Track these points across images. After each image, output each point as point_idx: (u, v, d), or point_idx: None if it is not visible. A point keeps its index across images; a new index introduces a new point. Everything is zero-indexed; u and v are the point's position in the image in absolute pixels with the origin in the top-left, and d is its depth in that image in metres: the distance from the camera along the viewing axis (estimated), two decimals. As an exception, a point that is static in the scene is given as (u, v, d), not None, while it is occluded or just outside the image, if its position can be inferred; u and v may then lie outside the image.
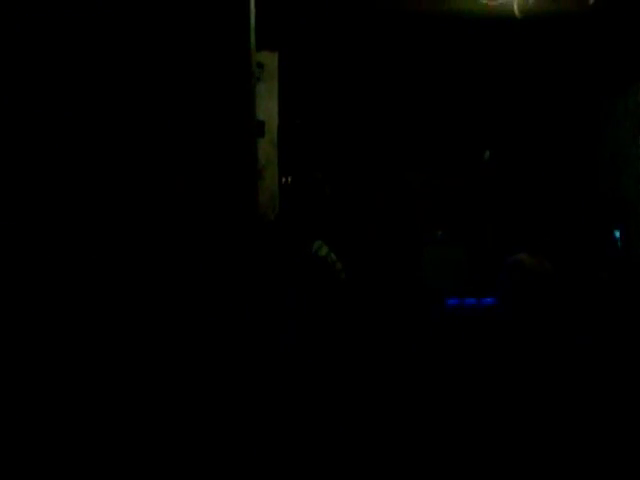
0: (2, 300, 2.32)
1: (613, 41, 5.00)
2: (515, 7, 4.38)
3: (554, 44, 5.04)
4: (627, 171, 6.39)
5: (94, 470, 2.33)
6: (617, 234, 6.68)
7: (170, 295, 2.44)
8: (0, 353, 2.31)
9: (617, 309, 5.25)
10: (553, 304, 3.37)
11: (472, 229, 8.18)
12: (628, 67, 5.82)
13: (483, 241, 8.09)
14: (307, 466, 2.91)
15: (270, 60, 3.61)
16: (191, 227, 2.46)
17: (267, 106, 3.63)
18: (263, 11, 2.78)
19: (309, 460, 2.92)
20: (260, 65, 3.46)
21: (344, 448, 3.01)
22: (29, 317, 2.33)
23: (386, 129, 7.77)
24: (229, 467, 2.40)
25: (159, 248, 2.44)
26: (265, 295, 2.79)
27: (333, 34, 4.83)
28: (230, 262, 2.48)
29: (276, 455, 2.75)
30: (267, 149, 3.78)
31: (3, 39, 2.36)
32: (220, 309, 2.46)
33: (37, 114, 2.40)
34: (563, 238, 7.10)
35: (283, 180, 4.26)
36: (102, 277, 2.40)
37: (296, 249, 3.25)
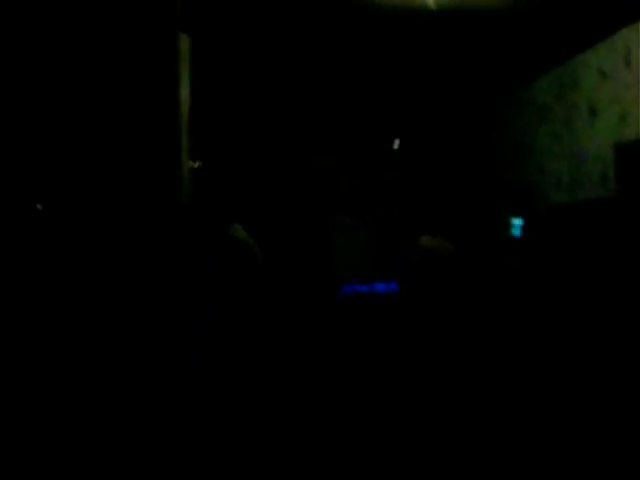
0: None
1: (521, 36, 5.14)
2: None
3: (465, 37, 5.13)
4: (529, 160, 6.62)
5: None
6: (519, 221, 6.92)
7: (91, 276, 2.34)
8: None
9: (520, 292, 5.43)
10: (452, 285, 3.38)
11: (381, 215, 8.27)
12: (533, 61, 6.00)
13: (392, 226, 8.19)
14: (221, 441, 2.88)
15: (183, 44, 3.44)
16: (113, 210, 2.35)
17: (181, 91, 3.47)
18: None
19: (225, 434, 2.89)
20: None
21: (262, 423, 2.98)
22: None
23: (297, 115, 7.70)
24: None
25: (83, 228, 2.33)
26: (186, 277, 2.74)
27: (244, 19, 4.70)
28: (152, 246, 2.40)
29: (195, 428, 2.70)
30: (180, 133, 3.63)
31: None
32: (142, 292, 2.38)
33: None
34: (468, 223, 7.29)
35: (194, 165, 4.14)
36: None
37: (214, 232, 3.24)
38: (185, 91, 3.66)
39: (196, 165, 4.31)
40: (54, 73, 2.29)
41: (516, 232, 6.95)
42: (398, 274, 3.52)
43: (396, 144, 8.38)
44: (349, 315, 6.43)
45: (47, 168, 2.32)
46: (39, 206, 2.23)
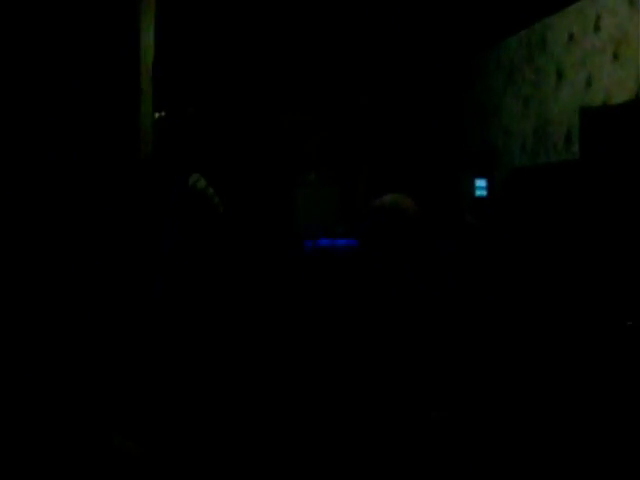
0: None
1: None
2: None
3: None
4: (495, 122, 6.63)
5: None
6: (483, 182, 6.98)
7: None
8: None
9: (482, 252, 5.50)
10: (407, 243, 3.35)
11: (346, 171, 8.26)
12: (502, 22, 5.97)
13: (357, 183, 8.19)
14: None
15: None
16: (75, 162, 2.28)
17: (143, 38, 3.36)
18: None
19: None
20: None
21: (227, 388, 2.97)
22: None
23: (262, 69, 7.56)
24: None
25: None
26: (144, 229, 2.70)
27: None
28: (112, 196, 2.35)
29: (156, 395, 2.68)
30: (142, 82, 3.53)
31: None
32: (99, 246, 2.33)
33: None
34: (432, 182, 7.32)
35: (157, 115, 4.06)
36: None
37: (173, 182, 3.18)
38: (148, 38, 3.54)
39: (157, 116, 4.21)
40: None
41: (480, 193, 7.01)
42: (361, 231, 3.49)
43: (362, 101, 8.32)
44: (310, 268, 6.44)
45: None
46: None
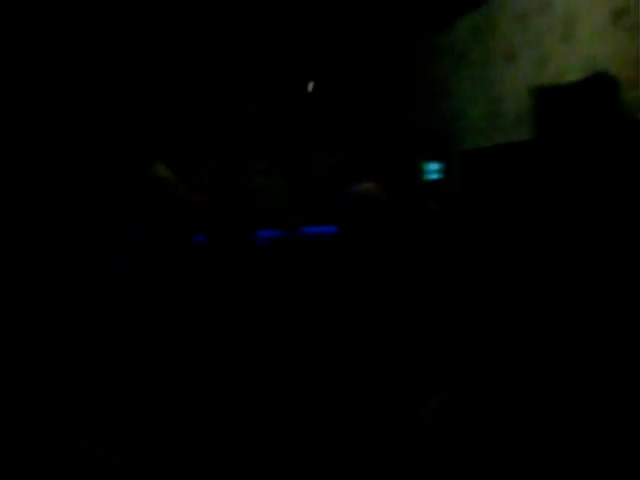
0: None
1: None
2: None
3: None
4: (447, 104, 6.66)
5: None
6: (436, 166, 7.00)
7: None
8: None
9: (444, 235, 5.53)
10: (384, 229, 3.34)
11: (296, 160, 8.18)
12: (450, 5, 5.98)
13: (308, 172, 8.13)
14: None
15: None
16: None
17: None
18: None
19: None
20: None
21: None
22: None
23: (212, 59, 7.42)
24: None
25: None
26: (107, 217, 2.61)
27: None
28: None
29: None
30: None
31: None
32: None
33: None
34: (386, 168, 7.32)
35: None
36: None
37: (136, 169, 3.11)
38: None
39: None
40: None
41: (433, 176, 7.04)
42: (335, 218, 3.45)
43: (310, 87, 8.24)
44: (267, 259, 6.36)
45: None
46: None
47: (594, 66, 4.58)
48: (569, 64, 4.83)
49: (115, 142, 3.30)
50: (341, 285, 3.04)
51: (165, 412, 2.72)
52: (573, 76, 4.79)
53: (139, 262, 2.98)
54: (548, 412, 3.32)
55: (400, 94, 7.69)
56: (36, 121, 2.18)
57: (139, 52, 6.49)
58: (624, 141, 4.35)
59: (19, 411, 2.19)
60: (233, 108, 7.79)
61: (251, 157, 7.94)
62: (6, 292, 2.23)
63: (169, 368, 2.85)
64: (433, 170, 7.04)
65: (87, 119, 2.37)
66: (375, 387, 2.57)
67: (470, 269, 5.11)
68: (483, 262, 5.18)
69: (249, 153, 7.93)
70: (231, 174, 7.59)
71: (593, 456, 3.05)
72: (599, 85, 4.63)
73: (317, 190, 8.05)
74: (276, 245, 7.03)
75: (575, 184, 4.70)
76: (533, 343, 4.11)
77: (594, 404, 3.39)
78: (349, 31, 6.77)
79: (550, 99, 5.02)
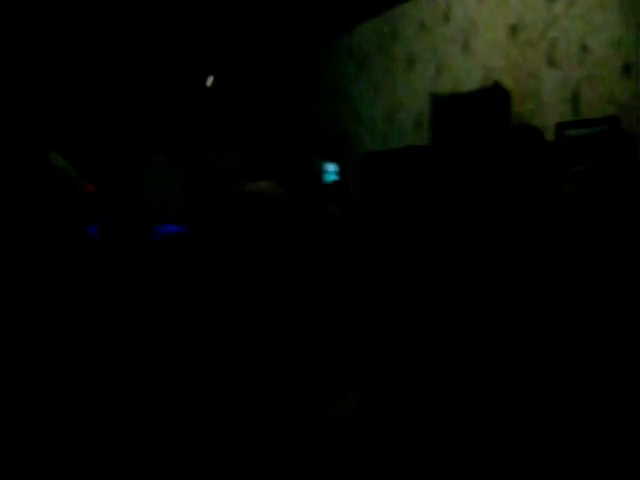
0: None
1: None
2: None
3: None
4: (347, 107, 6.75)
5: None
6: (333, 167, 7.08)
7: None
8: None
9: (343, 239, 5.58)
10: (281, 230, 3.32)
11: (191, 154, 8.04)
12: (353, 9, 6.09)
13: (202, 167, 8.00)
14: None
15: None
16: None
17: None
18: None
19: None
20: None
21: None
22: None
23: (109, 50, 7.16)
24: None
25: None
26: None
27: None
28: None
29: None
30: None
31: None
32: None
33: None
34: (286, 168, 7.32)
35: None
36: None
37: (29, 159, 2.97)
38: None
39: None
40: None
41: (330, 178, 7.11)
42: (228, 216, 3.37)
43: (209, 81, 8.13)
44: (163, 255, 6.18)
45: None
46: None
47: (491, 77, 4.78)
48: (467, 74, 5.03)
49: (6, 130, 3.16)
50: (236, 284, 2.97)
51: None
52: (471, 85, 4.98)
53: (31, 254, 2.85)
54: (465, 403, 3.40)
55: (304, 93, 7.71)
56: None
57: (32, 37, 6.19)
58: (519, 149, 4.57)
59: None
60: (131, 100, 7.56)
61: (146, 151, 7.73)
62: None
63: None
64: (329, 171, 7.11)
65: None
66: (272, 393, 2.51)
67: (370, 269, 5.18)
68: (381, 263, 5.27)
69: (144, 146, 7.71)
70: (124, 167, 7.35)
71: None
72: (494, 96, 4.85)
73: (213, 187, 7.94)
74: (170, 241, 6.84)
75: (468, 188, 4.89)
76: (439, 337, 4.22)
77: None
78: (252, 26, 6.74)
79: (448, 106, 5.20)
